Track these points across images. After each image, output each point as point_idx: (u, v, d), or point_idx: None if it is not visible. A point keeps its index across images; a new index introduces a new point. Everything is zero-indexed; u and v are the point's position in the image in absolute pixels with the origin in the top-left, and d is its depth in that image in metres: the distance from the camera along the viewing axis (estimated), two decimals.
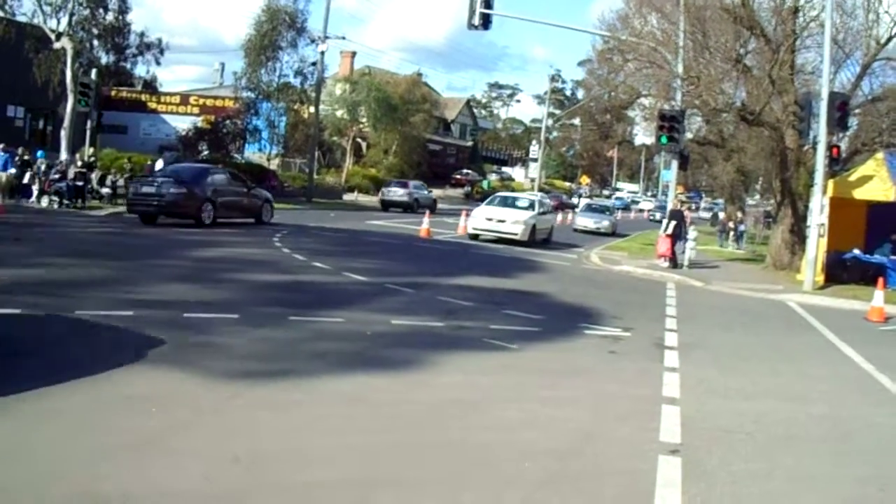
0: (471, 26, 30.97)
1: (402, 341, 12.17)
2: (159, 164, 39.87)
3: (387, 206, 55.62)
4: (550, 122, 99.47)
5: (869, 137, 30.62)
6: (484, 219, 34.35)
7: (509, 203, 36.66)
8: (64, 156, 37.56)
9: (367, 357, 10.81)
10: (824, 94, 25.41)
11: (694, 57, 31.35)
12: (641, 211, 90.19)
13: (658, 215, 67.70)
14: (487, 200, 38.51)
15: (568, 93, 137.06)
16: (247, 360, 10.05)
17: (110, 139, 51.85)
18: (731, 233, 48.27)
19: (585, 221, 50.48)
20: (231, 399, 8.45)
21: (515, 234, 33.11)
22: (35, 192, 33.21)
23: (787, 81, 29.59)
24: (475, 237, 34.25)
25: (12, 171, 35.11)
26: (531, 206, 36.44)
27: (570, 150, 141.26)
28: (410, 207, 54.26)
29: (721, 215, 62.60)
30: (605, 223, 49.89)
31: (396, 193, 56.75)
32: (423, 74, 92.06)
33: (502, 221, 33.65)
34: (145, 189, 29.04)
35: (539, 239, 35.01)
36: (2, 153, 33.61)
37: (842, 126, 26.83)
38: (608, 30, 43.47)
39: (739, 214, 48.36)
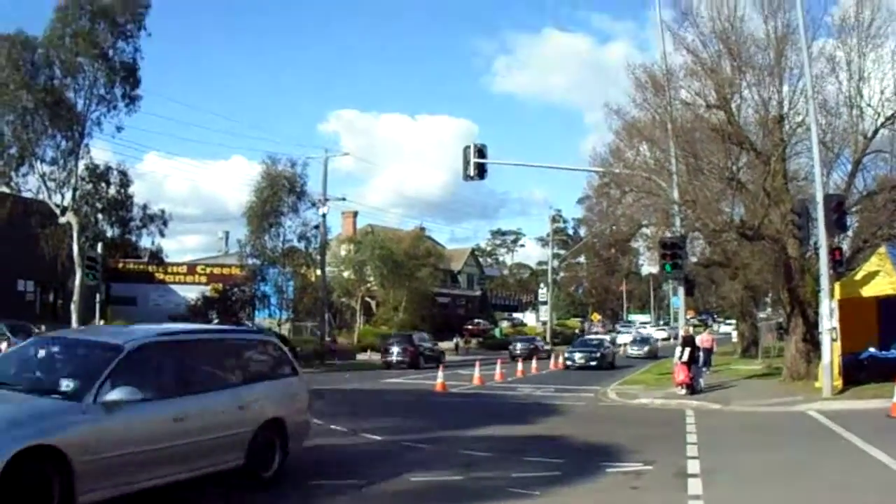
0: (466, 177, 31.49)
1: (422, 498, 12.12)
2: None
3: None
4: (556, 262, 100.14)
5: (869, 233, 30.66)
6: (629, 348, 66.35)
7: (642, 341, 69.64)
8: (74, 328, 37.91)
9: None
10: (819, 198, 25.69)
11: (688, 180, 31.56)
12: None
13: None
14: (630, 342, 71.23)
15: (570, 231, 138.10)
16: None
17: (120, 311, 52.22)
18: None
19: None
20: None
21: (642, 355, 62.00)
22: None
23: (781, 191, 29.88)
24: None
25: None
26: (648, 341, 68.81)
27: (578, 289, 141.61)
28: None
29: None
30: None
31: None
32: (426, 228, 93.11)
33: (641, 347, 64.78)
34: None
35: (653, 355, 61.17)
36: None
37: (840, 227, 27.01)
38: (601, 165, 43.97)
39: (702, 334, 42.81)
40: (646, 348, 66.04)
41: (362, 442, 17.98)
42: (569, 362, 50.19)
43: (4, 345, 34.41)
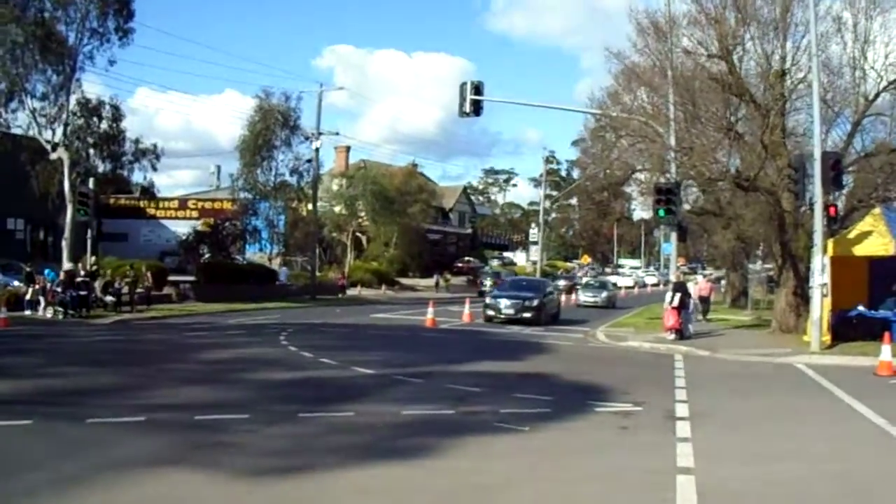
0: (462, 114, 31.30)
1: (413, 430, 12.21)
2: None
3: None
4: (548, 204, 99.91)
5: (865, 194, 30.67)
6: (582, 294, 56.86)
7: (598, 286, 59.84)
8: (67, 266, 37.62)
9: (380, 448, 10.81)
10: (817, 155, 25.53)
11: (686, 128, 31.47)
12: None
13: None
14: (583, 286, 60.61)
15: (563, 173, 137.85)
16: (260, 457, 10.07)
17: (111, 247, 52.05)
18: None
19: None
20: (246, 496, 8.47)
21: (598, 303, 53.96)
22: (42, 304, 33.36)
23: (779, 145, 29.72)
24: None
25: (16, 283, 35.42)
26: (606, 286, 60.37)
27: (569, 231, 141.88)
28: None
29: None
30: None
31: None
32: (419, 165, 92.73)
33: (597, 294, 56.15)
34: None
35: (611, 304, 54.44)
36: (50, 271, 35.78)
37: (837, 185, 26.92)
38: (598, 107, 43.77)
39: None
40: (603, 295, 56.31)
41: (353, 375, 18.08)
42: (490, 312, 37.09)
43: (30, 289, 34.48)
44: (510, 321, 35.63)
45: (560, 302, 44.09)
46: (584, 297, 56.29)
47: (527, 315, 35.93)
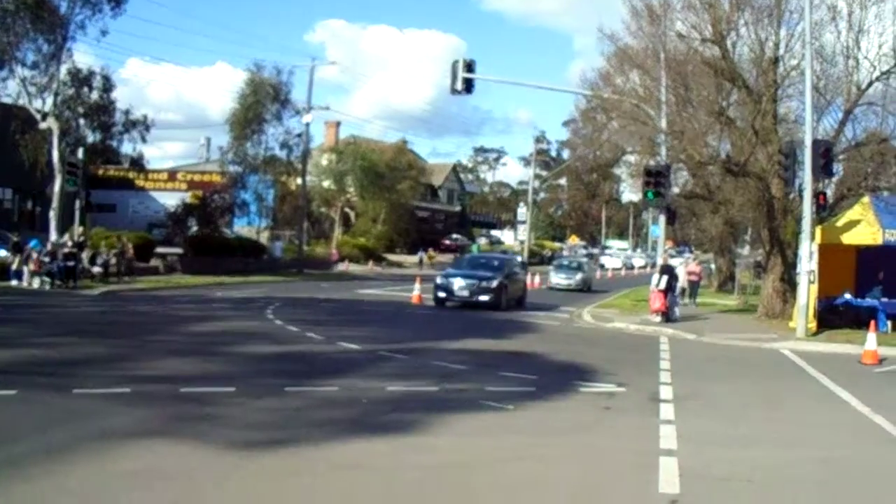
0: (454, 91, 31.17)
1: (398, 406, 12.21)
2: None
3: None
4: (537, 183, 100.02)
5: (854, 182, 30.65)
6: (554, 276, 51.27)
7: (573, 267, 53.27)
8: (54, 236, 37.39)
9: (365, 423, 10.82)
10: (808, 142, 25.52)
11: (677, 111, 31.42)
12: None
13: None
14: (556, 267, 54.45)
15: (553, 153, 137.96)
16: (246, 430, 10.06)
17: (99, 218, 51.77)
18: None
19: None
20: (232, 470, 8.46)
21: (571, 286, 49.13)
22: (27, 274, 33.14)
23: (770, 131, 29.72)
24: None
25: (3, 253, 35.23)
26: (581, 267, 53.26)
27: (558, 211, 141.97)
28: None
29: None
30: None
31: None
32: (409, 141, 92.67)
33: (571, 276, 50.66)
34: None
35: (586, 288, 49.78)
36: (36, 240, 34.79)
37: (827, 172, 26.89)
38: (590, 89, 43.74)
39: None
40: (577, 277, 51.16)
41: (339, 350, 18.12)
42: (441, 294, 32.77)
43: (16, 258, 34.17)
44: (465, 305, 31.98)
45: (526, 283, 39.16)
46: (557, 279, 51.15)
47: (484, 298, 31.76)
